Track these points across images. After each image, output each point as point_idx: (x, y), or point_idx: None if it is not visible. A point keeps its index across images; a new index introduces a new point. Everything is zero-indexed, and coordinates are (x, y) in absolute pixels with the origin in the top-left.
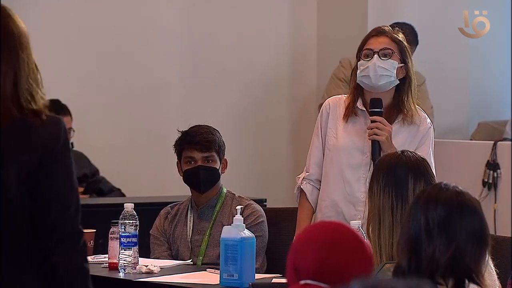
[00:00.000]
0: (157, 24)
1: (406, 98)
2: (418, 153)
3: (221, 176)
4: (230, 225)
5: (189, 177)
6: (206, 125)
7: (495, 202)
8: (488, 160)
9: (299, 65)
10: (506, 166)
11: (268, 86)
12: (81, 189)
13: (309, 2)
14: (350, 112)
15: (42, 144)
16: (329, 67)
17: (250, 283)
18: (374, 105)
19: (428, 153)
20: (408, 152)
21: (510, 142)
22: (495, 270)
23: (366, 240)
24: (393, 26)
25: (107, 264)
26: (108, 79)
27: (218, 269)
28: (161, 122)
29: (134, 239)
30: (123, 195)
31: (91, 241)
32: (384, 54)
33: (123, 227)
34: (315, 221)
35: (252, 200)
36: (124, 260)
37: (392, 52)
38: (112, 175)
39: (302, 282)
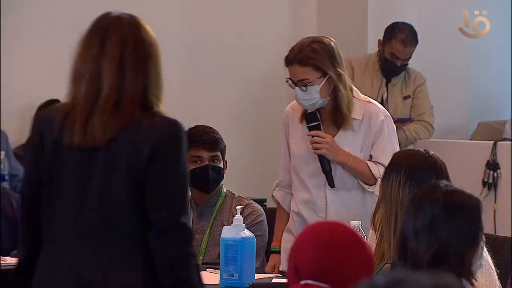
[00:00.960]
0: (157, 24)
1: (340, 105)
2: (377, 149)
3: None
4: (230, 224)
5: (196, 176)
6: (206, 125)
7: (495, 202)
8: (488, 160)
9: None
10: (506, 166)
11: (268, 86)
12: None
13: (309, 2)
14: (304, 116)
15: (151, 142)
16: None
17: (250, 283)
18: (309, 120)
19: (383, 147)
20: (432, 153)
21: (510, 142)
22: (496, 270)
23: (366, 241)
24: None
25: None
26: None
27: (218, 269)
28: None
29: None
30: None
31: None
32: (303, 85)
33: None
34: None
35: (252, 200)
36: None
37: (308, 81)
38: None
39: (303, 282)
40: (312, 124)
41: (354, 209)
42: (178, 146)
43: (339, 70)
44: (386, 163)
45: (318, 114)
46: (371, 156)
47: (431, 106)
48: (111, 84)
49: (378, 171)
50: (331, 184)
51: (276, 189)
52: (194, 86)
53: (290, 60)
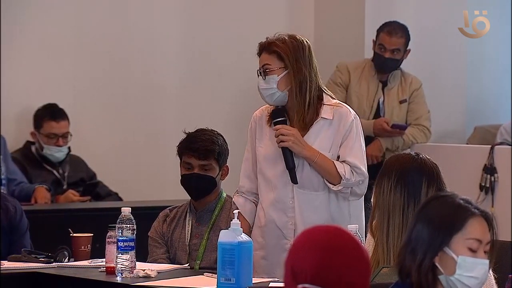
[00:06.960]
0: (154, 29)
1: (304, 100)
2: (344, 148)
3: (220, 181)
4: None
5: (184, 182)
6: (210, 130)
7: (492, 206)
8: (485, 164)
9: None
10: (503, 170)
11: None
12: (77, 193)
13: (306, 7)
14: (271, 119)
15: None
16: (326, 72)
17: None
18: (275, 115)
19: (351, 146)
20: (423, 155)
21: (507, 146)
22: (493, 275)
23: (363, 245)
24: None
25: (105, 268)
26: (106, 84)
27: (215, 273)
28: (158, 126)
29: (131, 243)
30: (120, 199)
31: (88, 245)
32: (264, 71)
33: (120, 231)
34: (253, 233)
35: None
36: (121, 264)
37: (269, 67)
38: (109, 179)
39: (300, 286)
40: (278, 119)
41: (320, 210)
42: None
43: (303, 69)
44: (353, 162)
45: (285, 112)
46: (338, 156)
47: (428, 110)
48: None
49: (343, 169)
50: (294, 180)
51: (236, 195)
52: (192, 92)
53: (260, 47)
